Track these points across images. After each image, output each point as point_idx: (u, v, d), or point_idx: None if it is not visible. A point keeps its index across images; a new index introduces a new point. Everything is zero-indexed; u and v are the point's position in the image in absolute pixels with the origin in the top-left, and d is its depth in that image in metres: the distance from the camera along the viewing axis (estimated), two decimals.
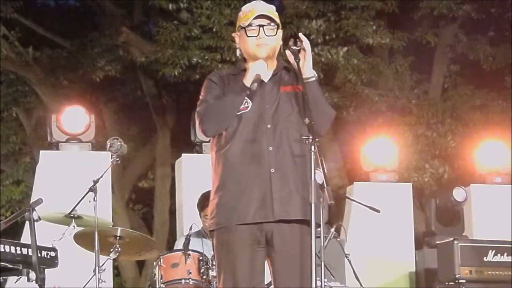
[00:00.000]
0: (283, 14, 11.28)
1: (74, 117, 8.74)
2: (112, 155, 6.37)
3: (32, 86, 13.86)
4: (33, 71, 13.65)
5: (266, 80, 4.49)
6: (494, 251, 8.20)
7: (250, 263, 4.37)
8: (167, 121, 14.34)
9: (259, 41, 4.47)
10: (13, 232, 8.19)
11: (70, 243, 6.43)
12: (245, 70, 4.49)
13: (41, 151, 8.87)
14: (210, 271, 6.23)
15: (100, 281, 6.30)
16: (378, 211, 7.23)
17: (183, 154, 9.31)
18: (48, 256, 6.32)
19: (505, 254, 8.20)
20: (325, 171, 4.14)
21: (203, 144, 8.83)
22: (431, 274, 9.11)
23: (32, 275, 5.92)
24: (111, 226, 6.86)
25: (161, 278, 6.31)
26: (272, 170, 4.37)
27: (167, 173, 13.89)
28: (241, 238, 4.36)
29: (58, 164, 8.60)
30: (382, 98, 12.09)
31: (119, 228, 6.49)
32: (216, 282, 6.08)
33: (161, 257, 6.38)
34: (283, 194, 4.36)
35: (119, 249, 6.39)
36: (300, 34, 4.47)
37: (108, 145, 6.35)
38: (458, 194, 9.38)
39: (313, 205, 4.16)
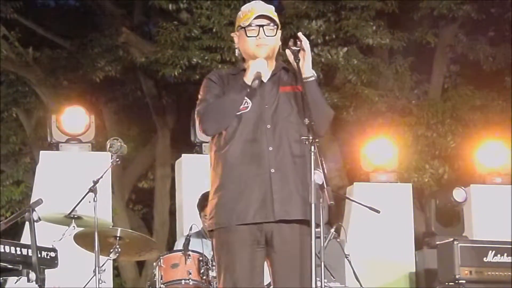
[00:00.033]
0: (282, 14, 11.27)
1: (74, 118, 8.75)
2: (112, 156, 6.38)
3: (32, 87, 13.85)
4: (33, 72, 13.64)
5: (265, 80, 4.49)
6: (494, 252, 8.20)
7: (250, 263, 4.37)
8: (167, 121, 14.33)
9: (259, 41, 4.46)
10: (13, 233, 8.19)
11: (70, 244, 6.43)
12: (244, 69, 4.48)
13: (41, 152, 8.88)
14: (210, 271, 6.23)
15: (100, 281, 6.31)
16: (378, 211, 7.23)
17: (183, 155, 9.32)
18: (48, 257, 6.33)
19: (505, 254, 8.20)
20: (325, 171, 4.13)
21: (203, 144, 8.84)
22: (431, 274, 9.10)
23: (32, 275, 5.92)
24: (111, 227, 6.87)
25: (161, 279, 6.30)
26: (272, 170, 4.36)
27: (167, 174, 13.88)
28: (241, 238, 4.36)
29: (58, 164, 8.60)
30: (382, 98, 12.08)
31: (119, 229, 6.49)
32: (216, 283, 6.08)
33: (161, 257, 6.38)
34: (283, 194, 4.35)
35: (119, 249, 6.39)
36: (300, 34, 4.46)
37: (108, 146, 6.35)
38: (458, 194, 9.38)
39: (313, 205, 4.15)
